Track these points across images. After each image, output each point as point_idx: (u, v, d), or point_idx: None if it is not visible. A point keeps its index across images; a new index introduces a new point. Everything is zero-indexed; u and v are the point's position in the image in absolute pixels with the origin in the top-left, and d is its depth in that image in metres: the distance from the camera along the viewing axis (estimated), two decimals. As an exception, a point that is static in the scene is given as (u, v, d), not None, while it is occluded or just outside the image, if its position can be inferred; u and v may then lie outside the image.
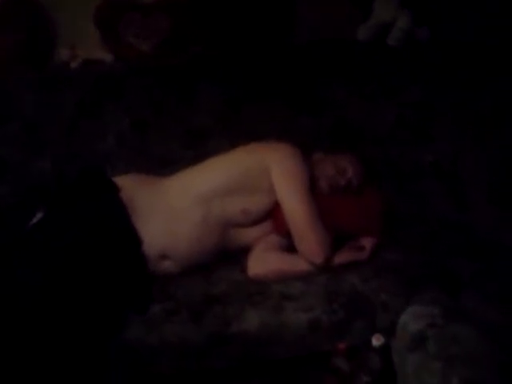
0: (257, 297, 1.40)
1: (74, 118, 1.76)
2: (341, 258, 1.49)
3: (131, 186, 1.48)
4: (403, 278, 1.44)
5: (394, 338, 1.33)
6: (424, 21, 1.93)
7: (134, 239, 1.40)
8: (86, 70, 1.89)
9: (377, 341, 1.31)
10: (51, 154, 1.73)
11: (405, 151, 1.80)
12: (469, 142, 1.71)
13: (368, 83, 1.85)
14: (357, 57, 1.90)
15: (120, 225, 1.40)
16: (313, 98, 1.85)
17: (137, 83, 1.82)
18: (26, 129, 1.75)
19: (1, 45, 1.85)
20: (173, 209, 1.48)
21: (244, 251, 1.54)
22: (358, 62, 1.88)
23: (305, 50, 1.92)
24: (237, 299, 1.40)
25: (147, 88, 1.82)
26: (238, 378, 1.40)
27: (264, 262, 1.49)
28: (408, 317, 1.32)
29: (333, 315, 1.37)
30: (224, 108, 1.83)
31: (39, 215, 1.32)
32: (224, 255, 1.55)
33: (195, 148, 1.79)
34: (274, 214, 1.54)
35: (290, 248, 1.52)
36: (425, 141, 1.78)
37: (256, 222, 1.55)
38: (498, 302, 1.33)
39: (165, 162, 1.76)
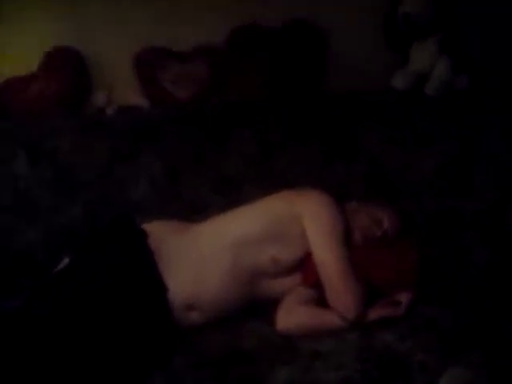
0: (286, 353, 1.35)
1: (108, 164, 1.79)
2: (375, 313, 1.42)
3: (160, 233, 1.47)
4: (443, 336, 1.36)
5: None
6: (463, 69, 1.90)
7: (159, 287, 1.38)
8: (122, 115, 1.93)
9: None
10: (83, 199, 1.75)
11: (443, 202, 1.74)
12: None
13: (404, 132, 1.82)
14: (393, 105, 1.88)
15: (146, 272, 1.39)
16: (347, 145, 1.83)
17: (171, 129, 1.84)
18: (60, 173, 1.78)
19: (42, 92, 1.92)
20: (201, 256, 1.46)
21: (273, 303, 1.49)
22: (395, 110, 1.86)
23: (339, 99, 1.91)
24: (265, 355, 1.34)
25: (181, 134, 1.84)
26: None
27: (293, 315, 1.44)
28: (449, 380, 1.23)
29: (365, 375, 1.29)
30: (257, 154, 1.82)
31: (66, 261, 1.31)
32: (252, 307, 1.51)
33: (227, 194, 1.78)
34: (305, 265, 1.50)
35: (320, 302, 1.46)
36: (464, 192, 1.72)
37: (286, 271, 1.50)
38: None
39: (196, 209, 1.76)
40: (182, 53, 1.99)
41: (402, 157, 1.80)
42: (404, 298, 1.45)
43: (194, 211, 1.74)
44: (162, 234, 1.48)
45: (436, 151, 1.76)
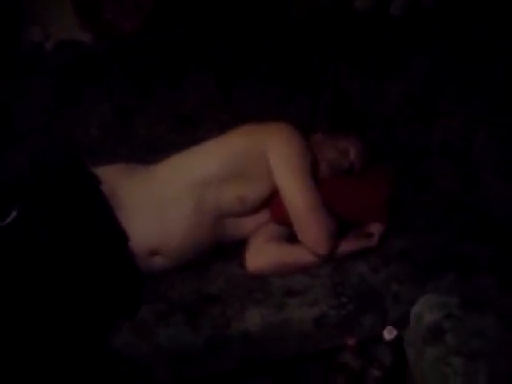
0: (258, 293, 1.33)
1: (51, 106, 1.67)
2: (347, 246, 1.40)
3: (114, 177, 1.39)
4: (415, 265, 1.37)
5: (408, 331, 1.27)
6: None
7: (118, 235, 1.32)
8: (62, 51, 1.79)
9: (389, 334, 1.25)
10: (27, 146, 1.62)
11: (411, 130, 1.71)
12: (479, 118, 1.62)
13: (370, 57, 1.75)
14: (356, 28, 1.79)
15: (102, 220, 1.32)
16: (310, 74, 1.76)
17: (119, 65, 1.72)
18: (-1, 119, 1.66)
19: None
20: (162, 199, 1.39)
21: (242, 244, 1.46)
22: (358, 33, 1.78)
23: (299, 24, 1.81)
24: (236, 297, 1.33)
25: (130, 69, 1.72)
26: (239, 379, 1.35)
27: (263, 254, 1.41)
28: (422, 307, 1.25)
29: (341, 309, 1.31)
30: (214, 90, 1.73)
31: (14, 213, 1.21)
32: (220, 249, 1.47)
33: (184, 133, 1.70)
34: (272, 201, 1.46)
35: (291, 238, 1.44)
36: (432, 118, 1.69)
37: (253, 210, 1.46)
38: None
39: (152, 150, 1.67)
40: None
41: (368, 84, 1.75)
42: (376, 229, 1.43)
43: (149, 152, 1.66)
44: (116, 177, 1.40)
45: (402, 76, 1.72)
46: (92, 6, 1.81)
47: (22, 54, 1.79)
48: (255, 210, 1.46)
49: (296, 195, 1.39)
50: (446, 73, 1.68)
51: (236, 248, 1.47)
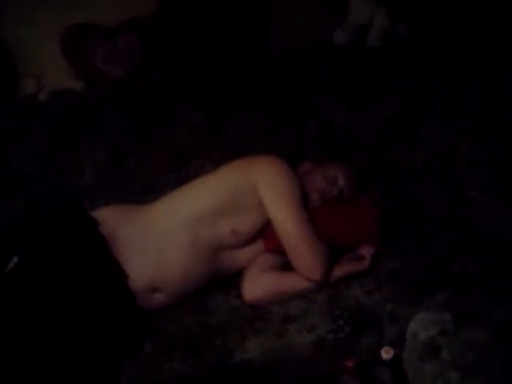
0: (257, 323, 1.34)
1: (48, 152, 1.69)
2: (340, 270, 1.43)
3: (112, 219, 1.42)
4: (407, 285, 1.39)
5: (405, 349, 1.27)
6: (402, 18, 1.90)
7: (118, 275, 1.33)
8: (56, 100, 1.82)
9: (386, 354, 1.26)
10: (25, 192, 1.66)
11: (395, 153, 1.75)
12: (461, 137, 1.67)
13: (352, 87, 1.80)
14: (337, 60, 1.85)
15: (101, 261, 1.33)
16: (295, 106, 1.80)
17: (111, 110, 1.76)
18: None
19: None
20: (158, 236, 1.41)
21: (238, 275, 1.48)
22: (339, 65, 1.84)
23: (283, 59, 1.87)
24: (236, 328, 1.33)
25: (122, 114, 1.76)
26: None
27: (259, 284, 1.42)
28: (417, 325, 1.26)
29: (338, 332, 1.32)
30: (203, 126, 1.77)
31: (15, 259, 1.24)
32: (217, 281, 1.48)
33: (178, 171, 1.73)
34: (265, 232, 1.48)
35: (285, 266, 1.45)
36: (415, 141, 1.73)
37: (248, 242, 1.48)
38: (508, 299, 1.28)
39: (147, 190, 1.70)
40: (110, 28, 1.89)
41: (352, 112, 1.79)
42: (367, 252, 1.46)
43: (146, 192, 1.69)
44: (114, 219, 1.42)
45: (384, 102, 1.76)
46: (83, 55, 1.85)
47: (19, 104, 1.82)
48: (250, 241, 1.48)
49: (288, 225, 1.40)
50: (425, 97, 1.72)
51: (233, 279, 1.48)
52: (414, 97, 1.74)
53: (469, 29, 1.81)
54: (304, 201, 1.47)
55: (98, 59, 1.85)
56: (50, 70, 1.89)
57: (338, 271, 1.42)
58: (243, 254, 1.48)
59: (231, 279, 1.49)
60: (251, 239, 1.48)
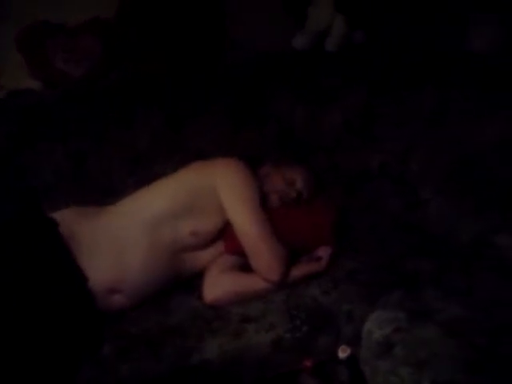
0: (216, 323, 1.35)
1: (4, 153, 1.67)
2: (298, 271, 1.45)
3: (71, 220, 1.41)
4: (363, 284, 1.42)
5: (361, 348, 1.30)
6: (358, 24, 1.94)
7: (77, 276, 1.33)
8: (13, 100, 1.80)
9: (343, 352, 1.27)
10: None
11: (352, 156, 1.78)
12: (416, 139, 1.70)
13: (310, 91, 1.83)
14: (296, 65, 1.88)
15: (61, 263, 1.33)
16: (255, 110, 1.82)
17: (70, 111, 1.75)
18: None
19: None
20: (118, 238, 1.41)
21: (199, 276, 1.48)
22: (298, 71, 1.86)
23: (242, 65, 1.90)
24: (195, 328, 1.34)
25: (81, 115, 1.75)
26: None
27: (219, 284, 1.44)
28: (372, 324, 1.29)
29: (296, 332, 1.34)
30: (164, 129, 1.77)
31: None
32: (178, 282, 1.49)
33: (138, 174, 1.73)
34: (225, 233, 1.50)
35: (245, 267, 1.47)
36: (371, 143, 1.77)
37: (208, 243, 1.49)
38: (459, 297, 1.31)
39: (107, 192, 1.68)
40: (69, 28, 1.87)
41: (311, 115, 1.81)
42: (324, 252, 1.49)
43: (105, 195, 1.67)
44: (73, 220, 1.42)
45: (341, 106, 1.79)
46: (42, 55, 1.83)
47: None
48: (210, 242, 1.49)
49: (247, 226, 1.42)
50: (381, 100, 1.76)
51: (195, 280, 1.48)
52: (370, 100, 1.78)
53: (422, 33, 1.87)
54: (263, 202, 1.49)
55: (58, 59, 1.83)
56: (8, 69, 1.86)
57: (296, 272, 1.44)
58: (204, 256, 1.49)
59: (193, 280, 1.49)
60: (211, 241, 1.49)
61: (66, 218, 1.41)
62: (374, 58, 1.85)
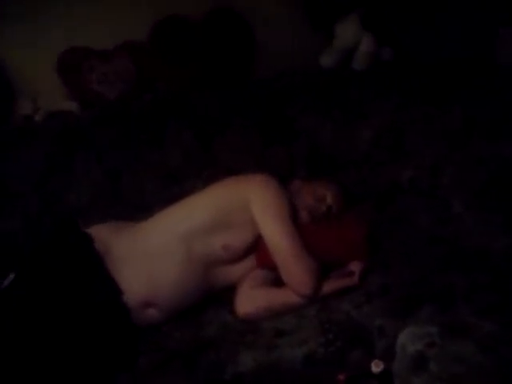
0: (249, 336, 1.36)
1: (43, 172, 1.73)
2: (330, 286, 1.45)
3: (106, 236, 1.44)
4: (396, 299, 1.41)
5: (394, 362, 1.28)
6: (386, 41, 1.96)
7: (112, 290, 1.35)
8: (52, 121, 1.86)
9: (376, 367, 1.26)
10: (21, 211, 1.69)
11: (381, 171, 1.79)
12: (445, 154, 1.70)
13: (338, 108, 1.85)
14: (324, 83, 1.90)
15: (96, 277, 1.35)
16: (284, 127, 1.84)
17: (105, 131, 1.81)
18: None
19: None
20: (152, 253, 1.43)
21: (231, 290, 1.50)
22: (326, 88, 1.89)
23: (271, 82, 1.92)
24: (229, 341, 1.35)
25: (116, 134, 1.80)
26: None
27: (251, 299, 1.45)
28: (405, 338, 1.27)
29: (329, 346, 1.33)
30: (195, 145, 1.81)
31: (11, 277, 1.26)
32: (210, 296, 1.50)
33: (170, 190, 1.76)
34: (257, 248, 1.51)
35: (277, 282, 1.48)
36: (400, 158, 1.77)
37: (240, 258, 1.51)
38: (494, 313, 1.30)
39: (140, 208, 1.73)
40: (104, 51, 1.94)
41: (339, 131, 1.83)
42: (356, 267, 1.48)
43: (139, 211, 1.71)
44: (108, 236, 1.45)
45: (370, 123, 1.80)
46: (78, 77, 1.90)
47: (15, 125, 1.85)
48: (241, 257, 1.50)
49: (279, 241, 1.43)
50: (410, 116, 1.77)
51: (226, 294, 1.49)
52: (399, 116, 1.79)
53: (451, 51, 1.88)
54: (294, 218, 1.50)
55: (93, 81, 1.89)
56: (46, 91, 1.93)
57: (328, 286, 1.44)
58: (235, 270, 1.51)
59: (224, 294, 1.50)
60: (243, 255, 1.51)
61: (101, 234, 1.44)
62: (401, 75, 1.86)
